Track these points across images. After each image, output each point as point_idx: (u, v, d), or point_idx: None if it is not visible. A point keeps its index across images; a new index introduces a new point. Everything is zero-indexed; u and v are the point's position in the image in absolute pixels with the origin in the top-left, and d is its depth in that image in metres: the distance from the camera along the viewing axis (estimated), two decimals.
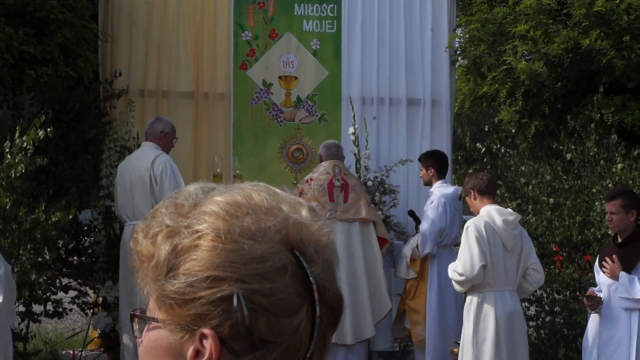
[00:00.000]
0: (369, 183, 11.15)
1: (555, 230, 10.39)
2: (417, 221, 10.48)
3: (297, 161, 11.94)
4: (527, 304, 10.48)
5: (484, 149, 11.81)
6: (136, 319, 1.54)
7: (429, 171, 10.30)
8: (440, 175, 10.31)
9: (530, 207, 10.82)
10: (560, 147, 11.19)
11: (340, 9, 12.33)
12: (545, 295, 10.33)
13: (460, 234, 10.44)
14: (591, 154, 10.89)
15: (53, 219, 8.71)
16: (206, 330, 1.43)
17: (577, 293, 10.13)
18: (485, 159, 11.83)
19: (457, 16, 12.79)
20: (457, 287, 8.38)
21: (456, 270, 8.17)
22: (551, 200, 10.65)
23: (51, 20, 10.41)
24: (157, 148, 9.69)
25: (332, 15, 12.34)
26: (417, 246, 10.02)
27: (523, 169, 11.17)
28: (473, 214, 8.54)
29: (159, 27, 11.90)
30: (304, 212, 1.53)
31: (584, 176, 10.76)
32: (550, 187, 10.87)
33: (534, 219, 10.63)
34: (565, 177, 10.89)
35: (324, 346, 1.50)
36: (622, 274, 7.73)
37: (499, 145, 11.65)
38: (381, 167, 11.46)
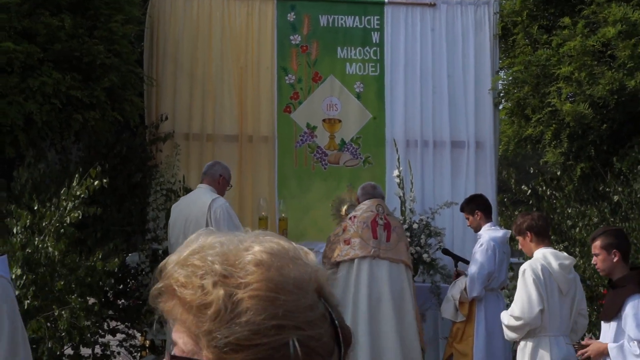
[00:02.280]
0: (414, 226, 11.12)
1: None
2: (454, 258, 10.43)
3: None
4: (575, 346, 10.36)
5: (529, 191, 11.75)
6: None
7: (476, 215, 10.22)
8: (487, 217, 10.25)
9: (577, 249, 10.73)
10: (607, 189, 11.11)
11: (383, 51, 12.40)
12: (593, 338, 10.21)
13: (510, 278, 10.41)
14: (638, 195, 10.80)
15: (107, 268, 8.78)
16: None
17: None
18: (531, 201, 11.76)
19: (500, 58, 12.79)
20: (511, 334, 8.20)
21: (512, 314, 8.05)
22: None
23: (98, 65, 10.52)
24: (213, 191, 9.65)
25: (375, 58, 12.39)
26: (465, 289, 9.95)
27: (569, 211, 11.09)
28: (525, 257, 8.46)
29: (203, 70, 12.00)
30: (313, 259, 1.65)
31: (632, 218, 10.66)
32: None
33: (581, 262, 10.53)
34: (612, 219, 10.79)
35: None
36: (609, 346, 7.36)
37: (544, 188, 11.59)
38: (426, 210, 11.43)
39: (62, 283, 8.44)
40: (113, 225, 10.51)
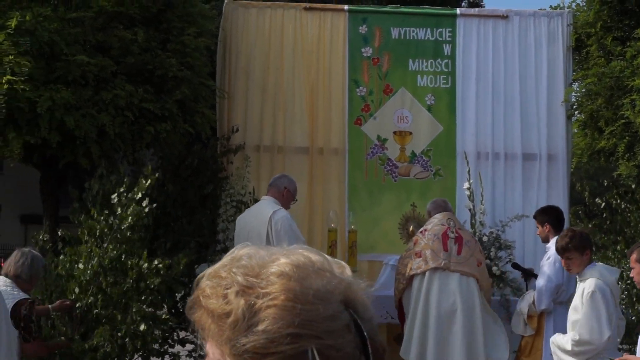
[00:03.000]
0: (484, 238, 11.04)
1: None
2: (524, 272, 10.34)
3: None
4: None
5: (603, 204, 11.62)
6: None
7: (545, 227, 10.11)
8: (557, 230, 10.11)
9: None
10: None
11: (455, 64, 12.36)
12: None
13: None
14: None
15: (160, 266, 8.81)
16: None
17: None
18: (604, 214, 11.63)
19: (574, 70, 12.67)
20: (569, 358, 7.99)
21: (581, 339, 7.85)
22: None
23: (170, 77, 10.68)
24: (276, 203, 9.67)
25: (446, 70, 12.36)
26: (533, 302, 9.85)
27: None
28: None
29: (274, 83, 12.08)
30: (348, 272, 1.68)
31: None
32: None
33: None
34: None
35: None
36: None
37: (618, 201, 11.45)
38: (496, 222, 11.34)
39: (123, 289, 8.55)
40: (184, 236, 10.62)
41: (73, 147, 10.32)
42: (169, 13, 11.12)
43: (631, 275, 7.40)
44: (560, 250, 8.18)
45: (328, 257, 1.68)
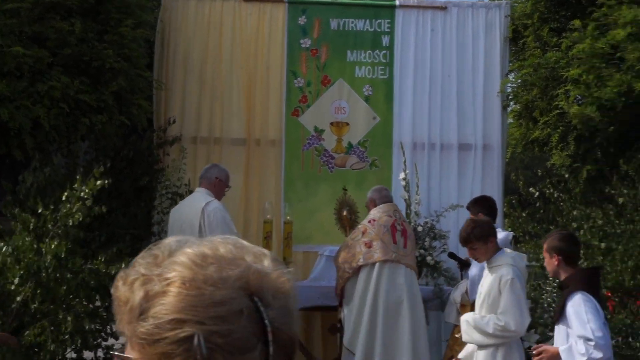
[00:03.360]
0: (419, 228, 11.15)
1: (607, 275, 10.29)
2: (460, 262, 10.44)
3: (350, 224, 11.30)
4: None
5: (537, 193, 11.75)
6: (115, 358, 1.69)
7: (478, 217, 10.21)
8: (492, 220, 10.22)
9: (582, 252, 10.71)
10: (613, 191, 11.10)
11: (393, 55, 12.43)
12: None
13: None
14: None
15: (112, 272, 8.82)
16: None
17: (630, 339, 10.00)
18: (538, 204, 11.77)
19: (510, 61, 12.79)
20: (486, 340, 8.03)
21: (507, 326, 7.94)
22: (603, 245, 10.55)
23: (107, 69, 10.64)
24: (209, 194, 9.73)
25: (384, 61, 12.43)
26: (466, 291, 9.95)
27: (575, 213, 11.10)
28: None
29: (212, 74, 12.09)
30: (267, 262, 1.68)
31: (637, 220, 10.65)
32: (602, 231, 10.77)
33: (585, 264, 10.53)
34: (617, 221, 10.79)
35: None
36: (560, 350, 7.24)
37: (552, 190, 11.59)
38: (431, 213, 11.46)
39: (64, 288, 8.54)
40: (118, 229, 10.61)
41: (7, 139, 10.26)
42: (107, 4, 11.06)
43: (544, 264, 7.57)
44: (462, 241, 8.29)
45: (248, 245, 1.71)
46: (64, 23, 10.55)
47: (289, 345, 1.66)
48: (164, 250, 1.67)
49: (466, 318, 8.20)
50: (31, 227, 8.85)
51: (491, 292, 8.01)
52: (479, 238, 7.96)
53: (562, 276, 7.38)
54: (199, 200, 9.63)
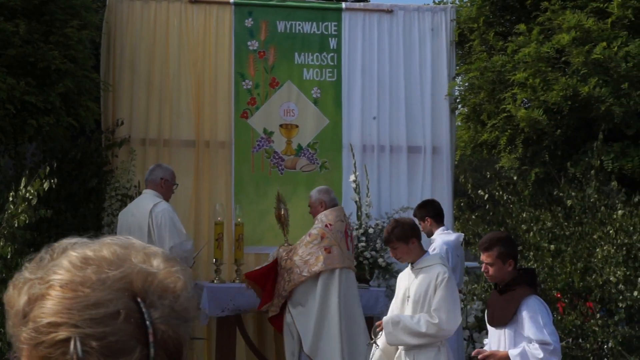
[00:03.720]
0: (370, 230, 11.16)
1: (556, 276, 10.36)
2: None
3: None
4: None
5: (486, 195, 11.82)
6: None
7: (426, 221, 10.23)
8: (439, 222, 10.25)
9: (531, 253, 10.80)
10: (561, 194, 11.19)
11: (340, 57, 12.44)
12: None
13: (465, 283, 10.46)
14: (592, 200, 10.88)
15: None
16: None
17: (580, 340, 10.08)
18: (487, 206, 11.83)
19: (457, 64, 12.86)
20: (415, 340, 7.85)
21: (440, 324, 7.79)
22: (552, 246, 10.63)
23: (53, 70, 10.48)
24: (157, 196, 9.72)
25: (332, 64, 12.43)
26: None
27: (524, 215, 11.16)
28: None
29: (160, 76, 11.98)
30: (156, 262, 1.66)
31: (585, 223, 10.74)
32: (551, 233, 10.84)
33: (535, 266, 10.60)
34: (566, 223, 10.87)
35: None
36: (510, 353, 7.09)
37: (500, 192, 11.66)
38: (382, 215, 11.47)
39: None
40: (68, 230, 10.45)
41: None
42: (52, 5, 10.90)
43: (484, 269, 7.40)
44: (384, 241, 8.30)
45: (138, 245, 1.69)
46: (7, 24, 10.36)
47: (174, 347, 1.63)
48: (52, 253, 1.66)
49: (390, 319, 7.96)
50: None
51: (428, 292, 7.87)
52: (399, 238, 7.88)
53: (508, 278, 7.24)
54: (146, 202, 9.63)
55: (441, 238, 10.04)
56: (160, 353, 1.59)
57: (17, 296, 1.62)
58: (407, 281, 8.12)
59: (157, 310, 1.60)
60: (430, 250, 10.02)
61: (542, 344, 6.96)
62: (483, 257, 7.31)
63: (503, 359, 7.12)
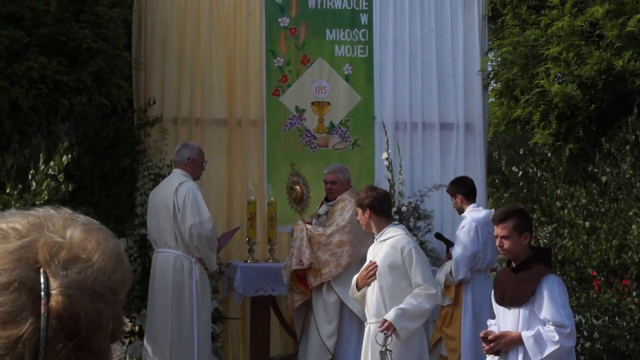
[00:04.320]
0: (403, 208, 11.11)
1: (592, 254, 10.30)
2: (447, 242, 10.40)
3: (296, 201, 10.89)
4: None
5: (520, 172, 11.74)
6: None
7: (457, 198, 10.18)
8: (470, 199, 10.18)
9: (566, 231, 10.74)
10: (596, 170, 11.11)
11: (372, 33, 12.34)
12: (583, 321, 10.22)
13: (499, 261, 10.40)
14: (627, 176, 10.79)
15: None
16: None
17: (616, 318, 10.02)
18: (521, 183, 11.77)
19: (489, 39, 12.75)
20: (425, 317, 8.04)
21: (437, 293, 8.08)
22: (587, 224, 10.56)
23: (84, 49, 10.47)
24: (185, 175, 9.72)
25: (363, 40, 12.34)
26: (450, 272, 9.91)
27: (558, 192, 11.09)
28: None
29: (191, 54, 11.94)
30: (71, 231, 1.60)
31: (620, 199, 10.66)
32: (586, 210, 10.78)
33: (570, 243, 10.55)
34: (601, 200, 10.80)
35: (55, 357, 1.52)
36: (524, 335, 6.77)
37: (534, 169, 11.58)
38: (415, 193, 11.43)
39: None
40: (101, 210, 10.47)
41: None
42: None
43: (499, 244, 7.08)
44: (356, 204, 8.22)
45: (63, 215, 1.64)
46: (39, 3, 10.35)
47: (71, 320, 1.53)
48: None
49: (394, 316, 7.72)
50: (12, 209, 8.67)
51: (394, 265, 7.86)
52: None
53: (523, 256, 6.96)
54: (173, 181, 9.71)
55: (471, 215, 9.97)
56: (54, 325, 1.52)
57: None
58: (372, 254, 8.13)
59: (57, 281, 1.54)
60: (459, 228, 9.99)
61: (559, 326, 6.69)
62: (497, 230, 7.02)
63: (515, 340, 6.83)
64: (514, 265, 7.00)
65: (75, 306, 1.53)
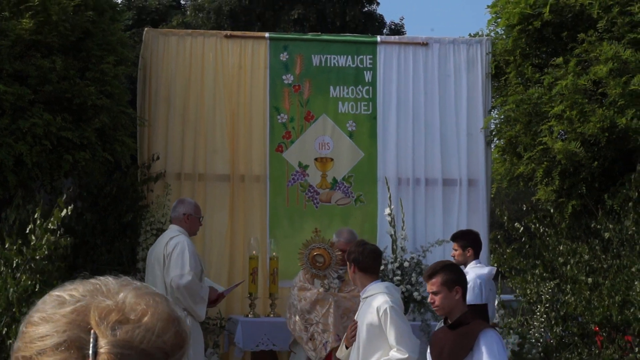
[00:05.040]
0: (406, 264, 11.10)
1: (594, 310, 10.24)
2: None
3: (319, 267, 10.38)
4: None
5: (522, 228, 11.73)
6: None
7: (467, 251, 10.14)
8: (476, 255, 10.20)
9: (568, 287, 10.69)
10: (598, 226, 11.08)
11: (376, 90, 12.44)
12: None
13: (501, 316, 10.36)
14: (629, 232, 10.76)
15: None
16: None
17: None
18: (523, 239, 11.75)
19: (492, 97, 12.81)
20: None
21: (409, 353, 7.59)
22: (590, 279, 10.52)
23: (89, 106, 10.59)
24: (180, 230, 9.83)
25: (367, 97, 12.43)
26: None
27: (561, 248, 11.07)
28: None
29: (195, 111, 12.04)
30: (123, 295, 1.70)
31: (623, 255, 10.63)
32: (588, 266, 10.74)
33: (572, 299, 10.50)
34: (603, 256, 10.77)
35: None
36: None
37: (537, 225, 11.57)
38: (417, 248, 11.42)
39: None
40: (103, 265, 10.51)
41: None
42: (88, 41, 11.02)
43: (430, 300, 6.99)
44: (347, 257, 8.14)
45: (120, 280, 1.75)
46: (45, 60, 10.48)
47: None
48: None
49: None
50: (14, 264, 8.73)
51: (369, 324, 7.75)
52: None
53: (458, 312, 6.82)
54: (166, 235, 9.89)
55: (474, 271, 9.95)
56: None
57: None
58: (358, 312, 8.06)
59: (105, 340, 1.63)
60: None
61: None
62: (428, 287, 6.93)
63: None
64: (450, 322, 6.88)
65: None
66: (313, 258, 10.16)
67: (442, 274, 6.86)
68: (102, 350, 1.62)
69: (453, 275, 6.92)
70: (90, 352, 1.61)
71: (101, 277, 1.77)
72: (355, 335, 7.85)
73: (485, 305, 8.04)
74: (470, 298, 9.72)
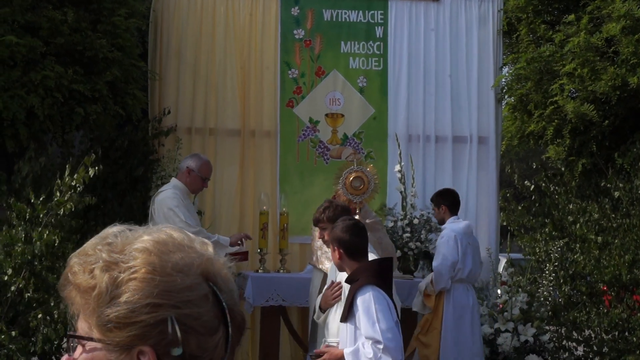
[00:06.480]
0: (415, 221, 11.13)
1: (603, 269, 10.28)
2: None
3: (357, 192, 9.94)
4: (574, 344, 10.38)
5: (532, 186, 11.74)
6: (71, 340, 1.79)
7: (441, 209, 10.27)
8: (453, 211, 10.27)
9: (578, 245, 10.72)
10: (608, 185, 11.09)
11: (387, 46, 12.39)
12: (593, 335, 10.22)
13: (510, 275, 10.41)
14: (639, 191, 10.77)
15: None
16: (145, 348, 1.71)
17: (626, 333, 10.00)
18: (533, 197, 11.76)
19: (504, 54, 12.76)
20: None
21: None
22: (599, 238, 10.54)
23: (100, 59, 10.55)
24: (174, 186, 9.50)
25: (378, 52, 12.38)
26: (431, 281, 9.97)
27: (571, 207, 11.08)
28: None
29: (206, 65, 12.01)
30: (211, 249, 1.84)
31: (633, 214, 10.64)
32: (598, 225, 10.76)
33: (581, 258, 10.54)
34: (613, 215, 10.78)
35: (232, 356, 1.83)
36: (345, 352, 6.59)
37: (547, 183, 11.58)
38: (427, 205, 11.43)
39: (55, 277, 8.45)
40: (114, 219, 10.52)
41: (0, 130, 10.17)
42: None
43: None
44: (314, 221, 8.08)
45: (191, 235, 1.85)
46: (56, 12, 10.44)
47: (242, 324, 1.84)
48: (118, 237, 1.79)
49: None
50: (27, 217, 8.75)
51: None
52: (330, 220, 7.69)
53: (347, 270, 6.79)
54: (160, 189, 9.77)
55: (450, 226, 10.10)
56: (235, 331, 1.81)
57: (92, 279, 1.73)
58: (334, 274, 7.78)
59: (225, 294, 1.80)
60: (439, 238, 10.07)
61: (375, 342, 6.42)
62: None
63: (337, 357, 6.68)
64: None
65: (242, 314, 1.85)
66: (350, 183, 9.65)
67: (331, 231, 7.05)
68: (227, 303, 1.80)
69: (336, 235, 6.85)
70: (224, 304, 1.79)
71: (166, 226, 1.86)
72: (338, 296, 7.44)
73: (387, 259, 7.43)
74: (444, 251, 9.84)
